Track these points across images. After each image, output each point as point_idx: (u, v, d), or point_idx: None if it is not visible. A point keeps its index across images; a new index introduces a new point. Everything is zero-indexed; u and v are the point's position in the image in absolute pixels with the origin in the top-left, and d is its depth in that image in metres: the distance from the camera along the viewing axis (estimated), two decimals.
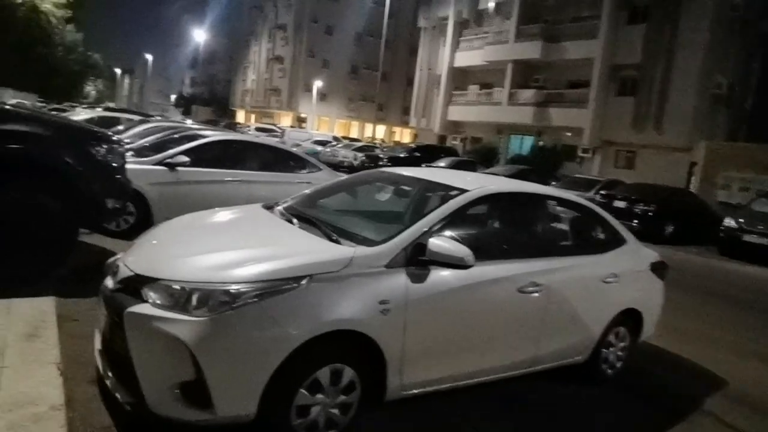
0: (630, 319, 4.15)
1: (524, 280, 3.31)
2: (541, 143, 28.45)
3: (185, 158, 6.47)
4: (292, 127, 41.26)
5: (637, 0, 25.36)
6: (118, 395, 2.49)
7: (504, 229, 4.00)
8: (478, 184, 3.53)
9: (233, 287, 2.37)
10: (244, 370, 2.35)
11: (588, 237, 4.31)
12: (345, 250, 2.73)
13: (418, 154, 23.83)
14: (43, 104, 28.35)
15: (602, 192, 15.24)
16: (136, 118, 15.97)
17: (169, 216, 3.91)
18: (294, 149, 9.56)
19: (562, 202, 4.08)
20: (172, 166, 6.39)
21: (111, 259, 2.98)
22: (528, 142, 30.15)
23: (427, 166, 16.39)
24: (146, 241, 3.16)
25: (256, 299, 2.36)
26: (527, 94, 29.26)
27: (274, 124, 38.74)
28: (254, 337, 2.35)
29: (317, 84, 49.83)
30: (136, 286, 2.53)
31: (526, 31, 29.44)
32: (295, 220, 3.26)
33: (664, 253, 4.58)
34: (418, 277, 2.81)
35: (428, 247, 2.81)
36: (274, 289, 2.41)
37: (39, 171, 4.23)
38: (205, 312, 2.32)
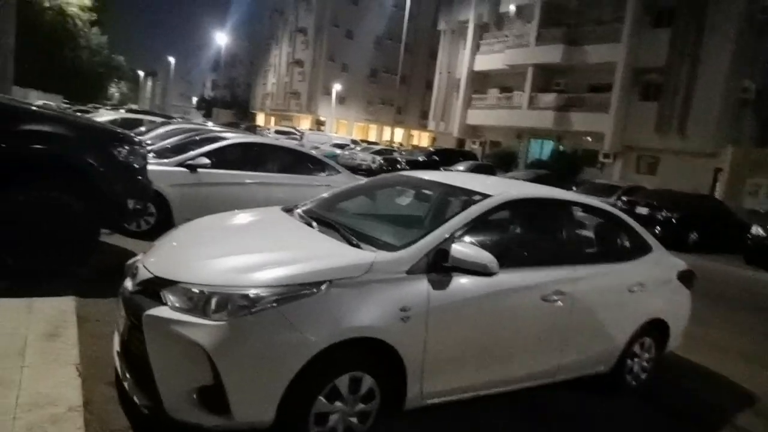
0: (656, 329, 4.04)
1: (548, 288, 3.23)
2: (561, 148, 28.12)
3: (206, 160, 6.51)
4: (310, 130, 41.49)
5: (662, 2, 24.95)
6: (135, 398, 2.48)
7: (527, 236, 3.92)
8: (501, 189, 3.46)
9: (252, 291, 2.34)
10: (263, 376, 2.31)
11: (613, 244, 4.21)
12: (365, 255, 2.68)
13: (437, 158, 23.75)
14: (68, 105, 28.92)
15: (623, 198, 14.95)
16: (158, 119, 16.18)
17: (190, 217, 3.92)
18: (313, 152, 9.57)
19: (587, 208, 3.99)
20: (193, 168, 6.43)
21: (131, 261, 2.98)
22: (548, 146, 29.82)
23: (445, 170, 16.32)
24: (166, 242, 3.15)
25: (275, 304, 2.33)
26: (548, 98, 28.94)
27: (293, 127, 38.98)
28: (273, 342, 2.31)
29: (336, 87, 50.04)
30: (155, 288, 2.51)
31: (547, 34, 29.14)
32: (314, 224, 3.23)
33: (688, 262, 4.45)
34: (440, 284, 2.75)
35: (451, 253, 2.74)
36: (293, 294, 2.37)
37: (62, 171, 4.27)
38: (223, 316, 2.29)
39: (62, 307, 3.71)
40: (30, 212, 4.12)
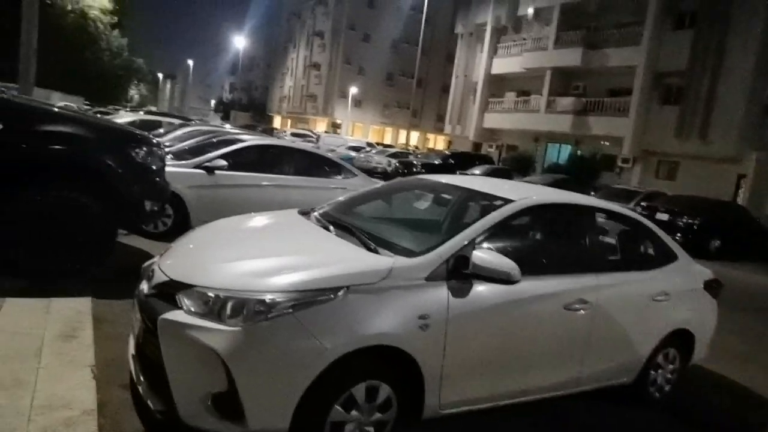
0: (681, 340, 3.91)
1: (571, 297, 3.14)
2: (579, 152, 27.80)
3: (223, 162, 6.52)
4: (326, 132, 41.63)
5: (684, 5, 24.56)
6: (149, 402, 2.44)
7: (550, 242, 3.83)
8: (523, 194, 3.37)
9: (268, 297, 2.29)
10: (278, 383, 2.26)
11: (637, 252, 4.10)
12: (384, 261, 2.62)
13: (453, 161, 23.62)
14: (89, 107, 29.34)
15: (643, 203, 14.70)
16: (177, 121, 16.31)
17: (207, 219, 3.90)
18: (329, 154, 9.55)
19: (610, 214, 3.89)
20: (210, 170, 6.44)
21: (147, 263, 2.96)
22: (565, 150, 29.51)
23: (460, 174, 16.20)
24: (183, 245, 3.13)
25: (291, 310, 2.28)
26: (566, 102, 28.64)
27: (310, 130, 39.14)
28: (289, 349, 2.26)
29: (353, 90, 50.17)
30: (170, 291, 2.48)
31: (566, 37, 28.87)
32: (331, 228, 3.17)
33: (710, 270, 4.31)
34: (460, 292, 2.68)
35: (472, 260, 2.67)
36: (310, 300, 2.32)
37: (81, 172, 4.28)
38: (239, 321, 2.25)
39: (79, 308, 3.72)
40: (48, 212, 4.13)
